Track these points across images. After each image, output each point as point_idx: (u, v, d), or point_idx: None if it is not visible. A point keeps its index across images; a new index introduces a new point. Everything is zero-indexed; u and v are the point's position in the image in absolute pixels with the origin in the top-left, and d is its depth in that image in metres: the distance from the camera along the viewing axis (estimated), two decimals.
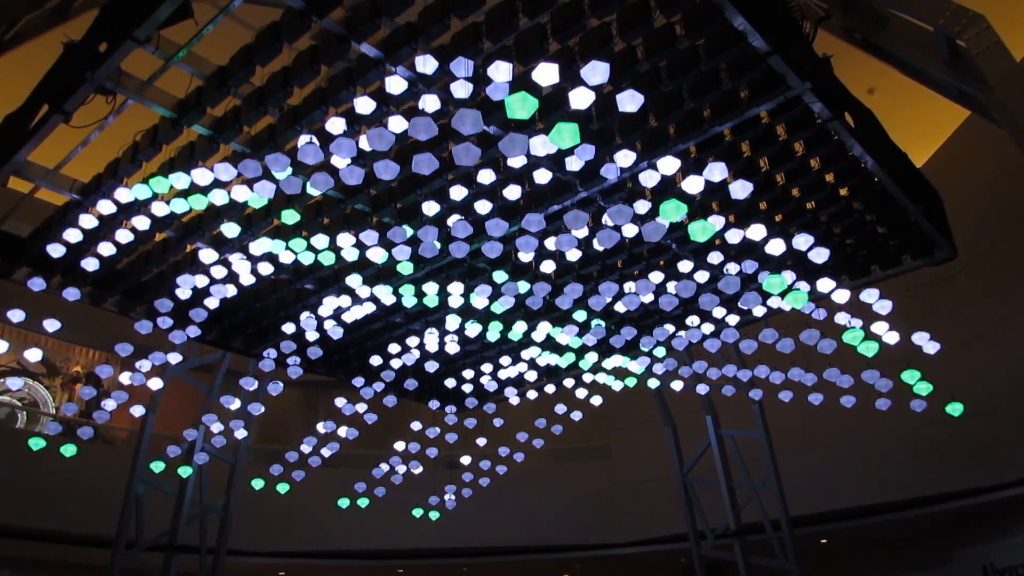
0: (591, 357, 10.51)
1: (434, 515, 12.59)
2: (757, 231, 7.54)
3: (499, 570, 18.85)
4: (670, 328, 9.64)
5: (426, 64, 5.67)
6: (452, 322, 9.07)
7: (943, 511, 13.98)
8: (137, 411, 10.74)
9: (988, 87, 7.61)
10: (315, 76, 6.37)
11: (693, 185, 6.52)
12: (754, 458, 13.23)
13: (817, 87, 6.19)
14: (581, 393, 11.08)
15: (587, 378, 10.95)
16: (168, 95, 6.82)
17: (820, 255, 7.56)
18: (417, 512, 12.68)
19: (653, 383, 10.96)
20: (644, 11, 5.70)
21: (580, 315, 9.13)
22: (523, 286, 8.21)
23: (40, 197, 8.07)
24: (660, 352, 10.07)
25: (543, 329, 9.19)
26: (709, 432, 13.51)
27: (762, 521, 12.72)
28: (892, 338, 8.51)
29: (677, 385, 10.89)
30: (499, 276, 8.36)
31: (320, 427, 10.78)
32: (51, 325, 8.80)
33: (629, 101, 5.32)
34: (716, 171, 6.27)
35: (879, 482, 14.41)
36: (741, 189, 6.62)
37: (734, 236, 7.64)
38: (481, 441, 11.72)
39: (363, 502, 12.06)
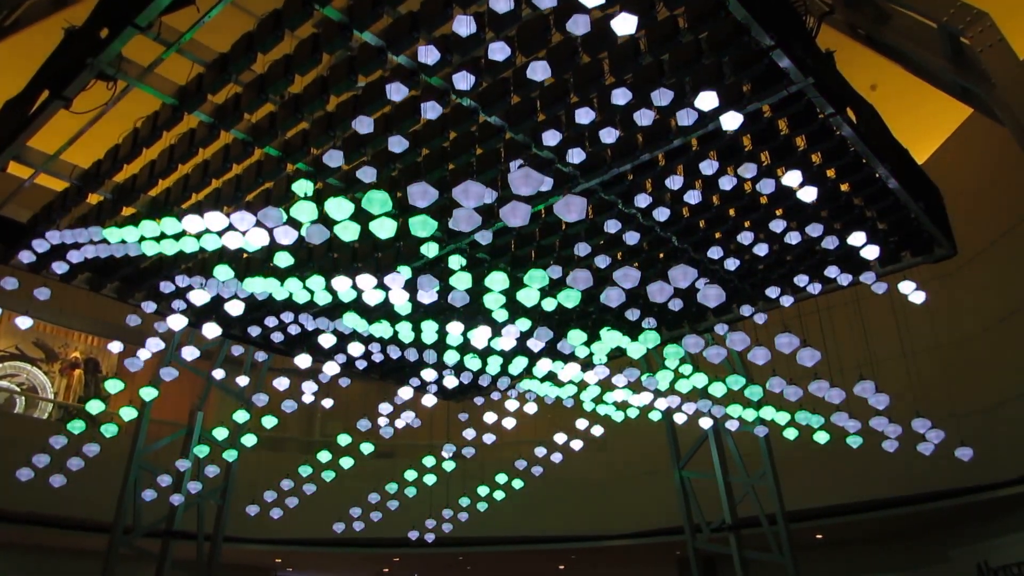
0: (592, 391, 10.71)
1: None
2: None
3: (494, 560, 18.90)
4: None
5: (428, 54, 5.67)
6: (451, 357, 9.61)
7: (939, 508, 13.99)
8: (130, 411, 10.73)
9: (991, 85, 7.60)
10: (317, 64, 6.37)
11: (683, 118, 6.44)
12: (751, 452, 13.26)
13: (819, 82, 6.18)
14: (582, 424, 11.34)
15: (587, 407, 11.13)
16: (169, 82, 6.80)
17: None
18: (413, 535, 12.92)
19: (655, 416, 11.14)
20: (647, 4, 5.69)
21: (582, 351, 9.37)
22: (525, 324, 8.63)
23: (40, 183, 8.06)
24: (664, 386, 10.22)
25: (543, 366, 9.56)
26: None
27: (758, 515, 12.75)
28: (880, 288, 8.74)
29: (680, 418, 11.07)
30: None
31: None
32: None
33: (623, 24, 5.28)
34: (707, 100, 6.10)
35: (875, 478, 14.41)
36: (731, 120, 6.30)
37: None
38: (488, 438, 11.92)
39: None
